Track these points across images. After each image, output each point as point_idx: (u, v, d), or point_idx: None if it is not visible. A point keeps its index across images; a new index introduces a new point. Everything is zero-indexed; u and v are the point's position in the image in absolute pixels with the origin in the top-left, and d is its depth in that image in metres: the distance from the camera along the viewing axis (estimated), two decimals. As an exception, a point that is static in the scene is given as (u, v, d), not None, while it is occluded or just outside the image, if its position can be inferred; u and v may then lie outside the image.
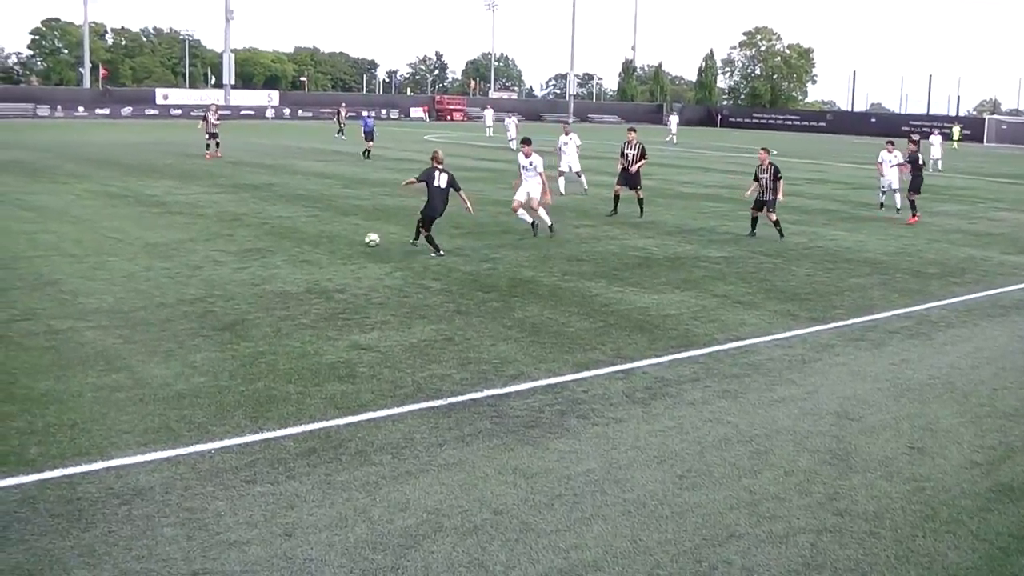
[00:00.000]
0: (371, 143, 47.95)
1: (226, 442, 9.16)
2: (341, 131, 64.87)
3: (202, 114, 48.69)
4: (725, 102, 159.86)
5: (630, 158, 27.51)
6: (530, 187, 22.91)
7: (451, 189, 19.63)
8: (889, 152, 31.90)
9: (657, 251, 21.50)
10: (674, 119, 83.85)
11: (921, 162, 29.28)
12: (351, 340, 13.08)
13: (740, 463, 9.20)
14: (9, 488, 7.98)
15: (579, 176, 33.66)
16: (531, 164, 22.92)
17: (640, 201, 27.72)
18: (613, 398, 11.03)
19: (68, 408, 9.93)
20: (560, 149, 33.65)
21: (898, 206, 30.95)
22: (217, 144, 45.08)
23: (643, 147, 27.90)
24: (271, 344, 12.74)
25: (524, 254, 20.37)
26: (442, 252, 19.49)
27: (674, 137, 78.12)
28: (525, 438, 9.61)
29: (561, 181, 33.14)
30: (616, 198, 27.99)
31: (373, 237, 20.50)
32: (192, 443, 9.09)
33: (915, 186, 29.14)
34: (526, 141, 23.47)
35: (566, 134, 33.78)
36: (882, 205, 31.93)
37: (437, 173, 19.45)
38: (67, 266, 17.71)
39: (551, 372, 11.91)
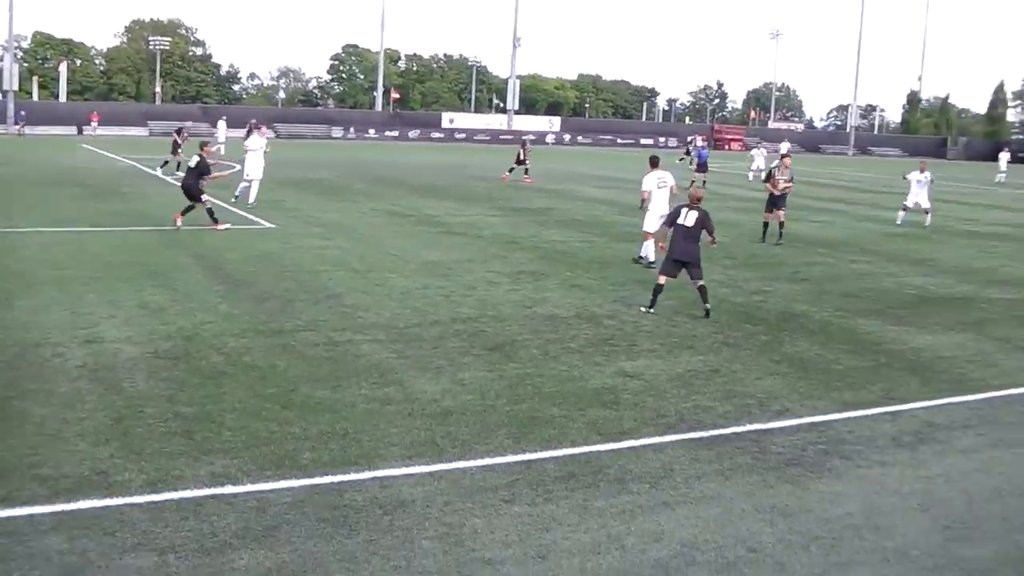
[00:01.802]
0: (704, 174, 44.65)
1: (488, 460, 9.36)
2: (683, 158, 61.64)
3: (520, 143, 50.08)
4: (1016, 136, 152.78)
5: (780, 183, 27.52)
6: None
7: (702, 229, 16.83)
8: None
9: (935, 290, 20.76)
10: (1004, 156, 75.81)
11: None
12: (617, 367, 13.14)
13: (1011, 517, 8.78)
14: (281, 491, 8.39)
15: (926, 213, 33.36)
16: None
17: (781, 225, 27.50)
18: (879, 440, 10.72)
19: (341, 417, 10.36)
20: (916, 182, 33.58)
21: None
22: (526, 171, 47.06)
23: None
24: (538, 366, 12.94)
25: (797, 288, 20.03)
26: (650, 310, 16.75)
27: (1003, 176, 71.29)
28: (785, 476, 9.45)
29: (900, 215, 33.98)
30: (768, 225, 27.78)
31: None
32: (455, 459, 9.33)
33: None
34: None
35: (921, 171, 33.50)
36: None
37: (685, 211, 16.91)
38: (350, 281, 18.49)
39: (816, 410, 11.66)
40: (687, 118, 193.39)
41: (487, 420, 10.55)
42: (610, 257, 22.96)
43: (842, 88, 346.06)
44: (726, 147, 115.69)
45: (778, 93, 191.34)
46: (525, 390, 11.80)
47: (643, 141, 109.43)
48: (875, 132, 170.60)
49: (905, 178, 34.84)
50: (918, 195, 33.68)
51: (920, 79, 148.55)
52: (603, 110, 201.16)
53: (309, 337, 13.90)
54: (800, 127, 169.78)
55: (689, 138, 70.56)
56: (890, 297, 19.54)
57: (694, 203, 16.90)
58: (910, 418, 11.60)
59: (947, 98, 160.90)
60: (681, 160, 57.18)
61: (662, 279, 16.80)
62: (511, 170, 47.20)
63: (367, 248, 22.80)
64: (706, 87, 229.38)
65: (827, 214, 36.80)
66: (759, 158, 57.96)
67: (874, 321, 17.05)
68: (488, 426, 10.35)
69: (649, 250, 21.46)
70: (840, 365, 13.86)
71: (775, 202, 27.56)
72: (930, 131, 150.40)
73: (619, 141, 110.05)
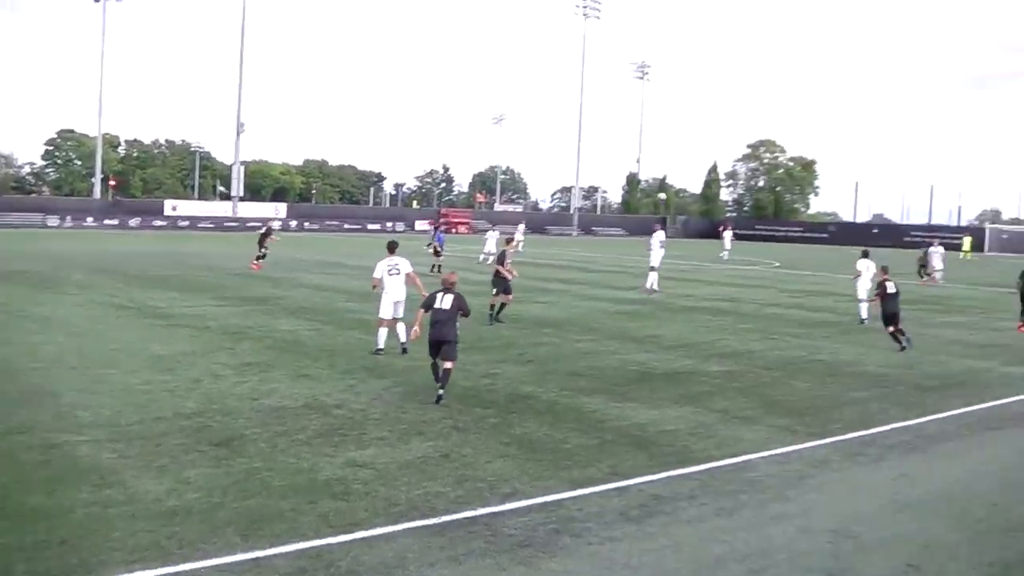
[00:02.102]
0: (440, 258, 48.95)
1: (216, 560, 9.10)
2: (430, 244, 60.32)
3: (263, 229, 49.44)
4: (729, 214, 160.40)
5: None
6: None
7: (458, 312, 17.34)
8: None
9: (657, 365, 21.48)
10: (728, 234, 78.63)
11: (892, 291, 26.35)
12: (347, 456, 13.02)
13: (734, 583, 9.13)
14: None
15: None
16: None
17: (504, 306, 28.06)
18: (608, 516, 10.96)
19: (58, 524, 9.88)
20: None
21: (863, 316, 31.27)
22: (259, 257, 46.68)
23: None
24: (266, 460, 12.69)
25: (524, 369, 20.36)
26: (440, 393, 16.71)
27: (727, 252, 73.51)
28: (518, 557, 9.54)
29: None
30: None
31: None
32: (181, 561, 9.03)
33: (887, 317, 26.24)
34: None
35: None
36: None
37: (440, 295, 17.43)
38: (67, 378, 17.72)
39: (546, 490, 11.83)
40: (414, 202, 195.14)
41: (214, 518, 10.27)
42: (339, 345, 22.80)
43: (565, 170, 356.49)
44: (453, 230, 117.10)
45: (503, 176, 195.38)
46: (254, 485, 11.56)
47: (370, 226, 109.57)
48: (598, 212, 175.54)
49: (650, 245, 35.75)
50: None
51: (638, 161, 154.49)
52: (330, 195, 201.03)
53: (22, 440, 13.22)
54: (520, 208, 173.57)
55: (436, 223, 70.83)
56: (614, 374, 20.09)
57: (448, 287, 17.59)
58: (637, 492, 11.92)
59: (664, 178, 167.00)
60: (429, 246, 57.13)
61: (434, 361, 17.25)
62: (259, 258, 46.49)
63: (86, 343, 21.92)
64: (432, 171, 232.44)
65: (552, 294, 37.63)
66: (491, 240, 58.53)
67: (599, 399, 17.49)
68: (216, 524, 10.07)
69: (382, 338, 21.46)
70: (568, 444, 14.13)
71: (502, 284, 28.06)
72: (650, 210, 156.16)
73: (346, 226, 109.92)
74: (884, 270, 27.91)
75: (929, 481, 13.05)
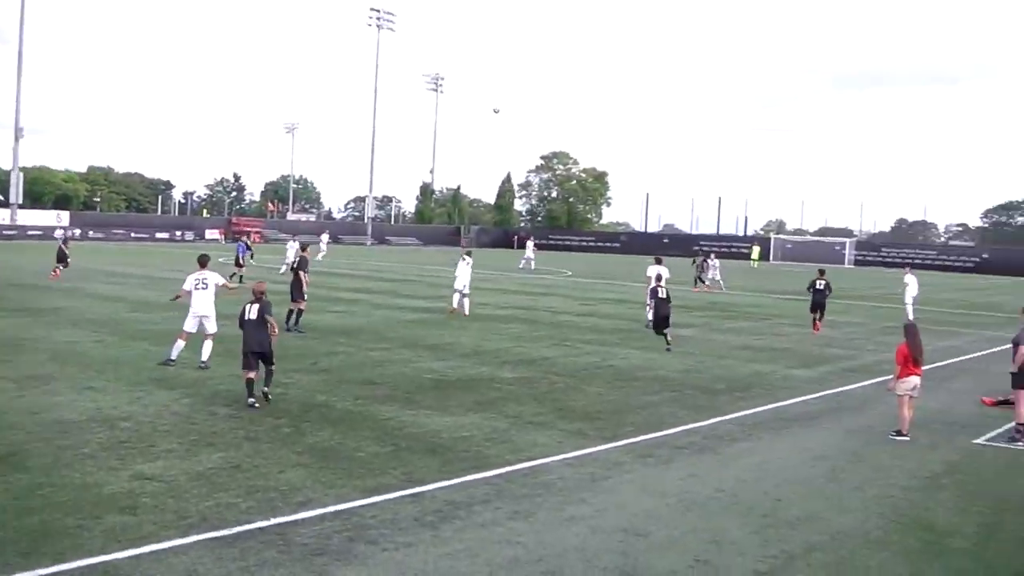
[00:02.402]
0: (240, 269, 47.18)
1: (-7, 581, 8.71)
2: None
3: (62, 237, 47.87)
4: (523, 224, 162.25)
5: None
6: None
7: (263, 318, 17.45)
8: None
9: (451, 373, 21.54)
10: (530, 243, 78.84)
11: (663, 295, 27.60)
12: (135, 470, 12.65)
13: (529, 584, 9.21)
14: None
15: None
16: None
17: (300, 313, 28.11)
18: (403, 523, 10.92)
19: None
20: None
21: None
22: (64, 266, 45.46)
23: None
24: (49, 475, 12.22)
25: (318, 378, 20.16)
26: (254, 403, 16.80)
27: (531, 261, 73.15)
28: (312, 566, 9.42)
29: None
30: None
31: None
32: (-45, 583, 8.62)
33: (659, 321, 27.59)
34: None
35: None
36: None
37: (248, 306, 17.57)
38: None
39: (340, 498, 11.74)
40: (204, 211, 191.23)
41: (-8, 538, 9.83)
42: (125, 356, 22.12)
43: (359, 179, 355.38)
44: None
45: (296, 185, 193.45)
46: (36, 502, 11.11)
47: (159, 235, 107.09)
48: (392, 222, 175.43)
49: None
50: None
51: (432, 171, 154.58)
52: (116, 203, 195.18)
53: None
54: (314, 217, 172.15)
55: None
56: (408, 382, 20.05)
57: (257, 296, 17.74)
58: (432, 498, 11.92)
59: (459, 188, 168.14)
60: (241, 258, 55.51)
61: (250, 374, 17.15)
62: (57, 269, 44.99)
63: None
64: (223, 179, 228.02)
65: (346, 303, 37.37)
66: (291, 251, 57.61)
67: (393, 407, 17.44)
68: (-6, 544, 9.64)
69: (176, 350, 21.01)
70: (362, 452, 14.05)
71: (299, 291, 27.90)
72: (444, 220, 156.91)
73: (134, 235, 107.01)
74: (658, 277, 28.88)
75: (717, 480, 13.40)
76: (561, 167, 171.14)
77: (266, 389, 17.19)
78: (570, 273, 67.95)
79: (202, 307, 21.08)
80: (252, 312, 17.47)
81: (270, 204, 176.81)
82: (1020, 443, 16.65)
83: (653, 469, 13.88)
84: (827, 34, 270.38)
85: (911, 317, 44.77)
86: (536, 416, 17.16)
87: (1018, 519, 12.47)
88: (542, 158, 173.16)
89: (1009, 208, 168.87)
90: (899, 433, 16.77)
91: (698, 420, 17.43)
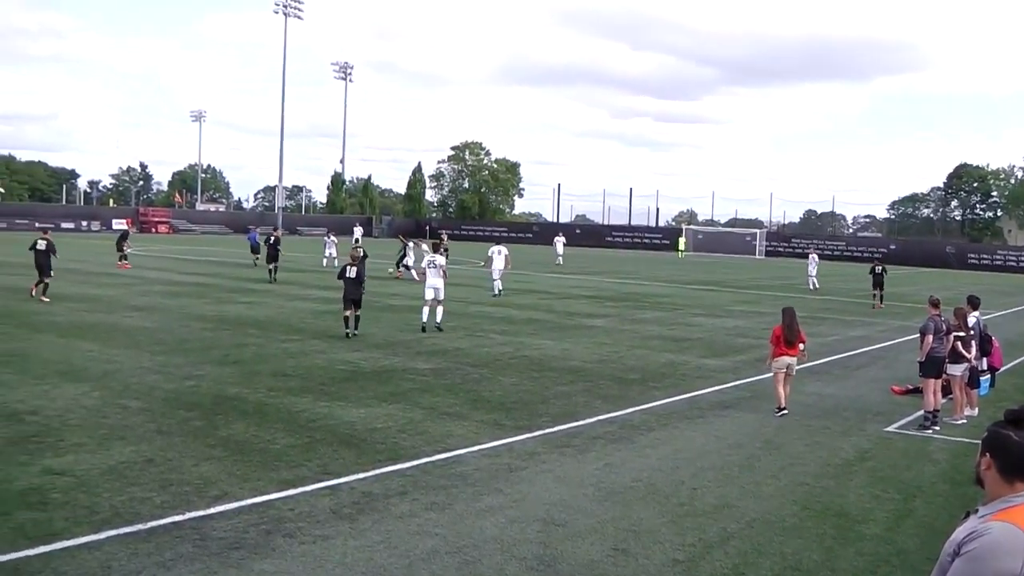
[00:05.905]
0: (258, 256, 51.49)
1: None
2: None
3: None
4: (434, 214, 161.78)
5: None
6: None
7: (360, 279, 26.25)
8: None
9: (365, 364, 21.40)
10: (559, 240, 77.92)
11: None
12: (43, 465, 12.39)
13: (447, 575, 9.15)
14: None
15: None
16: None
17: None
18: (319, 515, 10.82)
19: None
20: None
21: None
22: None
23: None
24: (-48, 472, 11.94)
25: (229, 370, 19.90)
26: (348, 333, 25.40)
27: (560, 258, 71.66)
28: (229, 560, 9.29)
29: None
30: None
31: None
32: None
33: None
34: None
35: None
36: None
37: (348, 267, 26.32)
38: None
39: (256, 491, 11.59)
40: (111, 201, 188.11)
41: None
42: (29, 349, 21.68)
43: (269, 169, 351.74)
44: (153, 230, 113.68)
45: (204, 175, 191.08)
46: (-62, 500, 10.84)
47: (64, 225, 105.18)
48: (303, 212, 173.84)
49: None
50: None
51: (342, 161, 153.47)
52: (19, 192, 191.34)
53: None
54: (223, 208, 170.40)
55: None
56: (322, 374, 19.89)
57: (353, 260, 26.74)
58: (348, 491, 11.83)
59: (369, 179, 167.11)
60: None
61: (347, 312, 25.90)
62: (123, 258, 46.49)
63: None
64: (129, 169, 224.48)
65: (256, 294, 37.02)
66: (332, 247, 57.04)
67: (307, 399, 17.30)
68: None
69: None
70: (277, 444, 13.91)
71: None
72: (355, 210, 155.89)
73: (38, 225, 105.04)
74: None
75: (633, 469, 13.46)
76: (472, 158, 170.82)
77: (356, 331, 25.63)
78: (482, 264, 67.88)
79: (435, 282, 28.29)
80: (351, 272, 26.04)
81: (177, 194, 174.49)
82: (929, 431, 16.98)
83: (570, 459, 13.89)
84: (723, 27, 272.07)
85: (816, 286, 47.64)
86: (451, 407, 17.11)
87: (928, 505, 12.66)
88: (453, 148, 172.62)
89: (915, 200, 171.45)
90: (779, 409, 17.60)
91: (613, 410, 17.49)
